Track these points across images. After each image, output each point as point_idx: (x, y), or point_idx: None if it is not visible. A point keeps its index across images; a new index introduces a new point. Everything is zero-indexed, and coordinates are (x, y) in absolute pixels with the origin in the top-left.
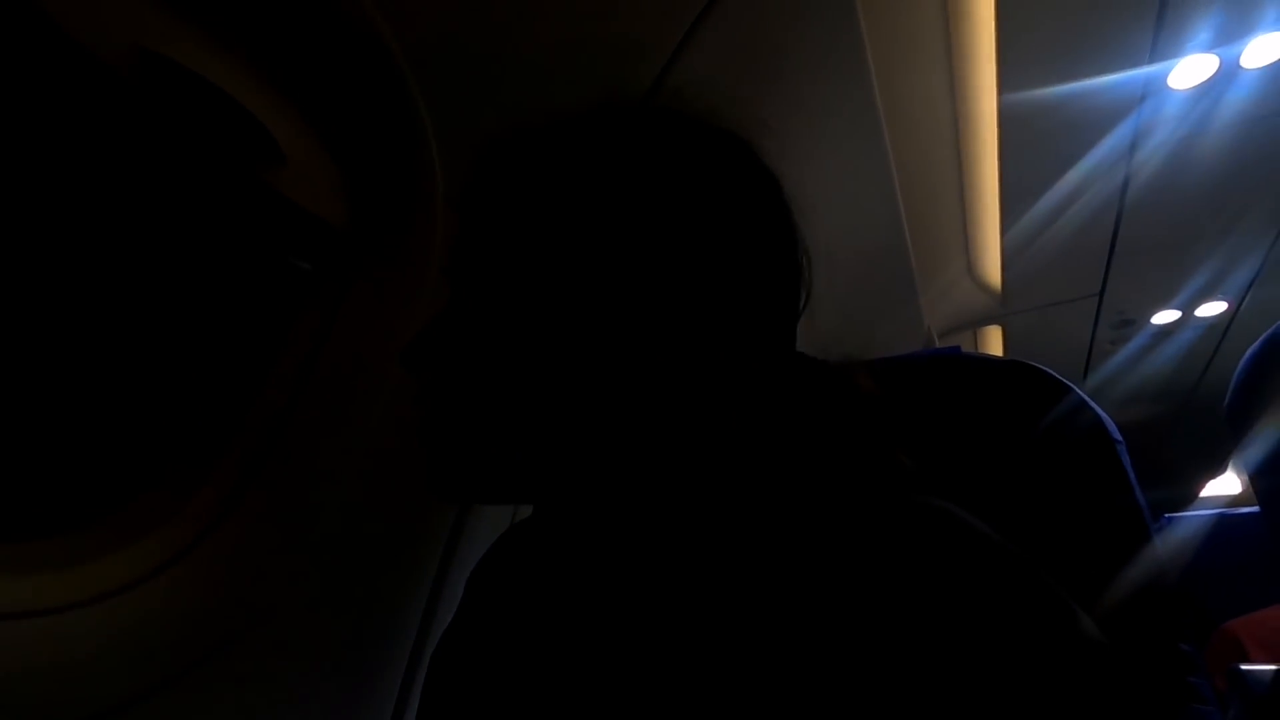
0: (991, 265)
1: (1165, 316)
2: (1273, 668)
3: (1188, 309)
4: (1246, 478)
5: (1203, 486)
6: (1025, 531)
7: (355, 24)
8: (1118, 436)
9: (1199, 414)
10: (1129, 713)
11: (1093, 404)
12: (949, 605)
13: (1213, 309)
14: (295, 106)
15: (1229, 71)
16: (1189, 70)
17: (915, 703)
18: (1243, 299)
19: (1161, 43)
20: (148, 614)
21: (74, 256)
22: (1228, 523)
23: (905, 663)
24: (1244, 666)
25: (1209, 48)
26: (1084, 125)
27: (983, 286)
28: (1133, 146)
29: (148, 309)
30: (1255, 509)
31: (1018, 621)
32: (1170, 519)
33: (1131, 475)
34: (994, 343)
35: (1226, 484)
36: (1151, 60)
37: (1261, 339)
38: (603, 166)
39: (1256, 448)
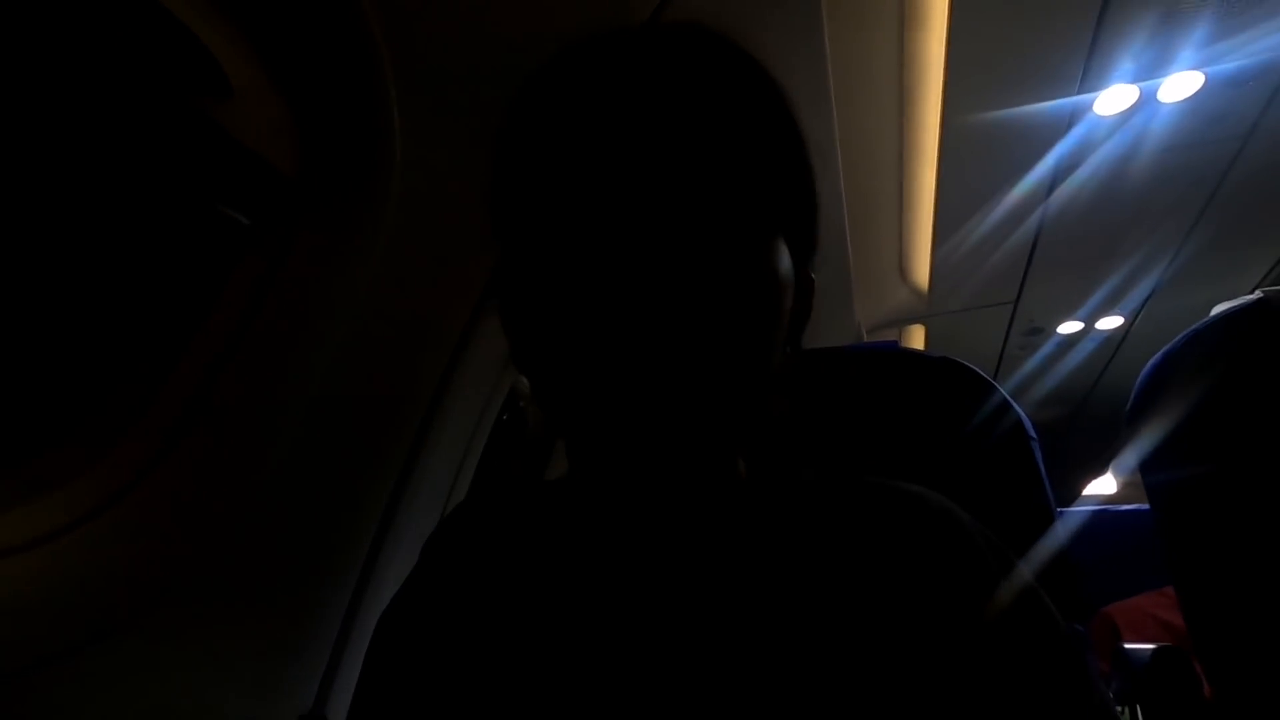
0: (921, 268)
1: (1070, 327)
2: (1151, 647)
3: (1089, 321)
4: (1123, 480)
5: (1085, 486)
6: None
7: None
8: (1034, 435)
9: (1089, 420)
10: (1092, 695)
11: (1014, 404)
12: (950, 593)
13: (1110, 322)
14: (246, 36)
15: (1148, 101)
16: (1113, 98)
17: (897, 684)
18: (1137, 315)
19: (1092, 71)
20: (53, 574)
21: None
22: (1107, 518)
23: (895, 646)
24: (1127, 646)
25: (1132, 79)
26: (1018, 145)
27: (911, 287)
28: (1058, 168)
29: (69, 247)
30: (1130, 507)
31: (1017, 615)
32: (1061, 514)
33: (1044, 472)
34: (916, 341)
35: (1104, 485)
36: (1081, 89)
37: (1164, 349)
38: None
39: (1146, 446)
